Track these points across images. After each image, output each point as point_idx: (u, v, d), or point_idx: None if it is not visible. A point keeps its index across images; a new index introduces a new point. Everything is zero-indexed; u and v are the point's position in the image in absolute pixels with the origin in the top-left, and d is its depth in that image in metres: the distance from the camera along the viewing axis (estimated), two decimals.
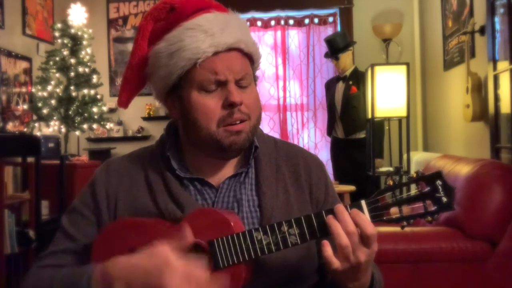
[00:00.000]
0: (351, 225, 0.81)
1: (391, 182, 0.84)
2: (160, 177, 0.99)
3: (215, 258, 0.86)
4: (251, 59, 0.99)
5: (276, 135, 4.98)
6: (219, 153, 0.97)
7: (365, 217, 0.82)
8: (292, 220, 0.85)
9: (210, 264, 0.86)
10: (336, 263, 0.82)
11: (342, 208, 0.83)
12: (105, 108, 4.54)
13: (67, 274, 0.89)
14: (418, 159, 3.89)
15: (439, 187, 0.83)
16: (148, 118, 5.12)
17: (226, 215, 0.89)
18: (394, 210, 0.84)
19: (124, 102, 1.03)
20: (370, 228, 0.81)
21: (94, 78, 4.38)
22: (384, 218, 0.83)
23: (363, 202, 0.84)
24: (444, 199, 0.82)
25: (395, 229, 2.21)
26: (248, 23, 5.01)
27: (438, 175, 0.83)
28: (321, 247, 0.83)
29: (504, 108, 2.67)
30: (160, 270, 0.76)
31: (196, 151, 1.00)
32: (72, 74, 4.24)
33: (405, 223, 0.84)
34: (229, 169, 1.02)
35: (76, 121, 4.26)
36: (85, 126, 4.34)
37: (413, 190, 0.84)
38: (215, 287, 0.79)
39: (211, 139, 0.94)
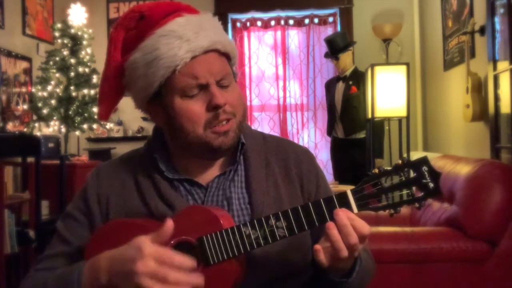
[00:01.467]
0: (355, 238, 0.81)
1: (376, 171, 0.84)
2: (149, 179, 1.00)
3: (205, 255, 0.86)
4: (228, 57, 0.99)
5: (276, 135, 4.97)
6: (208, 154, 0.98)
7: (360, 221, 0.82)
8: (279, 213, 0.85)
9: (200, 261, 0.86)
10: (327, 264, 0.83)
11: (346, 220, 0.82)
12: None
13: (60, 273, 0.92)
14: None
15: (425, 173, 0.82)
16: (148, 118, 5.11)
17: (214, 212, 0.89)
18: (381, 199, 0.84)
19: (103, 115, 1.03)
20: (367, 229, 0.82)
21: (94, 78, 4.38)
22: (370, 206, 0.83)
23: (348, 192, 0.84)
24: (431, 185, 0.82)
25: (395, 229, 2.21)
26: (248, 23, 5.01)
27: (424, 161, 0.83)
28: (313, 251, 0.84)
29: (504, 108, 2.67)
30: (133, 256, 0.79)
31: (183, 153, 1.01)
32: (72, 74, 4.24)
33: (392, 210, 0.84)
34: (216, 168, 1.02)
35: (76, 121, 4.26)
36: (85, 126, 4.34)
37: (400, 178, 0.83)
38: (186, 277, 0.79)
39: (199, 142, 0.95)
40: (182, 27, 0.93)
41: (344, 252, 0.81)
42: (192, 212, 0.90)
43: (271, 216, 0.85)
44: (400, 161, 0.83)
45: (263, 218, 0.86)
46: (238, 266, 0.88)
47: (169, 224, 0.82)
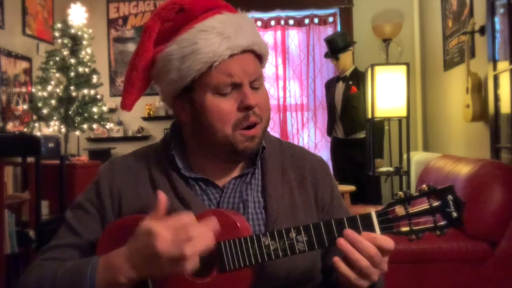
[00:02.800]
0: (372, 248, 0.81)
1: (401, 194, 0.83)
2: (165, 176, 0.98)
3: (222, 260, 0.86)
4: (261, 59, 0.99)
5: (276, 135, 4.95)
6: (231, 156, 0.96)
7: (381, 237, 0.82)
8: (301, 227, 0.85)
9: (216, 265, 0.86)
10: (352, 276, 0.82)
11: (355, 235, 0.82)
12: (105, 108, 4.54)
13: (71, 265, 0.90)
14: (418, 159, 3.89)
15: (450, 201, 0.82)
16: (148, 118, 5.12)
17: (233, 217, 0.88)
18: (403, 222, 0.84)
19: (128, 105, 1.00)
20: (390, 243, 0.82)
21: (94, 78, 4.38)
22: (394, 230, 0.83)
23: (373, 214, 0.83)
24: (454, 214, 0.82)
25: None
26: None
27: (450, 189, 0.82)
28: (333, 264, 0.83)
29: (504, 108, 2.67)
30: (148, 242, 0.79)
31: (203, 152, 0.99)
32: (72, 74, 4.24)
33: (414, 236, 0.84)
34: (234, 169, 1.01)
35: (76, 121, 4.26)
36: (85, 126, 4.34)
37: (423, 204, 0.83)
38: (203, 227, 0.80)
39: (226, 142, 0.94)
40: (222, 24, 0.92)
41: (364, 262, 0.81)
42: (211, 216, 0.89)
43: (292, 229, 0.85)
44: (425, 187, 0.83)
45: (283, 230, 0.85)
46: (253, 273, 0.87)
47: (161, 196, 0.83)
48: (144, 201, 0.97)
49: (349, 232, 0.82)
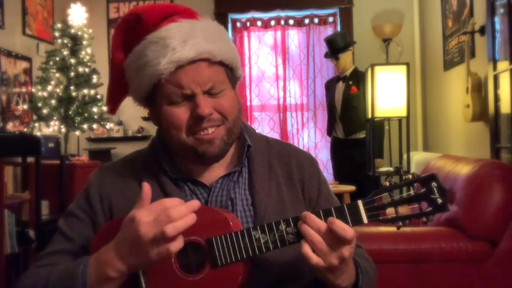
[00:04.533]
0: (322, 224, 0.83)
1: (387, 184, 0.86)
2: (154, 179, 1.00)
3: (213, 256, 0.87)
4: (224, 64, 0.96)
5: (276, 135, 4.98)
6: (197, 159, 0.98)
7: (339, 222, 0.83)
8: (290, 219, 0.86)
9: (208, 262, 0.87)
10: (314, 258, 0.83)
11: (307, 213, 0.85)
12: (105, 108, 4.53)
13: (63, 267, 0.91)
14: (418, 159, 3.89)
15: (434, 188, 0.84)
16: (148, 118, 5.11)
17: (224, 214, 0.89)
18: (390, 211, 0.86)
19: (111, 110, 1.06)
20: (349, 232, 0.82)
21: (94, 78, 4.38)
22: (380, 218, 0.85)
23: (359, 202, 0.85)
24: (439, 200, 0.84)
25: (395, 229, 2.21)
26: (248, 23, 5.01)
27: (433, 177, 0.85)
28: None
29: (504, 108, 2.67)
30: (131, 228, 0.82)
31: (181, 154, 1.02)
32: (72, 74, 4.24)
33: (400, 223, 0.86)
34: (221, 168, 1.03)
35: (76, 121, 4.26)
36: (85, 126, 4.34)
37: (409, 191, 0.86)
38: (184, 207, 0.82)
39: (184, 147, 0.96)
40: (172, 33, 0.91)
41: (316, 237, 0.82)
42: (202, 213, 0.91)
43: (281, 221, 0.86)
44: (410, 176, 0.86)
45: (273, 223, 0.86)
46: (245, 268, 0.88)
47: (146, 187, 0.86)
48: (134, 203, 0.97)
49: (304, 213, 0.84)
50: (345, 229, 0.82)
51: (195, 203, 0.84)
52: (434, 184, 0.84)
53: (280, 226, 0.86)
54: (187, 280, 0.86)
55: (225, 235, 0.87)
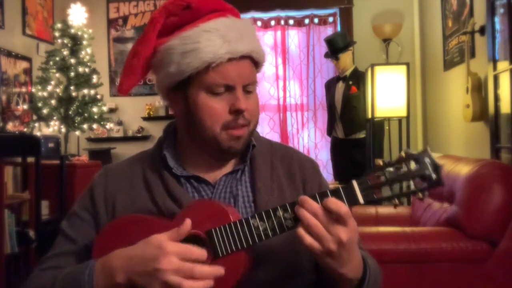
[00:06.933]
0: (316, 206, 0.83)
1: (381, 163, 0.86)
2: (158, 176, 1.01)
3: (214, 248, 0.88)
4: (257, 66, 1.02)
5: (276, 135, 4.98)
6: (217, 154, 1.00)
7: (333, 199, 0.83)
8: (287, 204, 0.86)
9: (209, 254, 0.87)
10: (308, 238, 0.82)
11: (304, 197, 0.85)
12: (105, 108, 4.54)
13: (69, 271, 0.91)
14: None
15: (428, 164, 0.84)
16: (148, 118, 5.12)
17: (223, 206, 0.91)
18: (385, 190, 0.85)
19: (125, 90, 1.03)
20: (343, 207, 0.82)
21: (94, 78, 4.38)
22: (375, 197, 0.85)
23: (354, 182, 0.85)
24: (434, 176, 0.84)
25: (395, 229, 2.21)
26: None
27: (426, 153, 0.85)
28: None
29: (504, 108, 2.67)
30: (154, 255, 0.81)
31: (194, 149, 1.02)
32: (72, 74, 4.24)
33: (396, 201, 0.85)
34: (226, 166, 1.04)
35: (76, 121, 4.26)
36: (85, 126, 4.34)
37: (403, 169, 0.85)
38: (209, 270, 0.82)
39: (213, 140, 0.97)
40: (226, 28, 0.95)
41: (311, 219, 0.82)
42: (201, 206, 0.92)
43: (278, 207, 0.87)
44: (403, 153, 0.86)
45: (270, 210, 0.87)
46: (246, 257, 0.89)
47: (187, 222, 0.85)
48: (138, 202, 0.99)
49: (301, 197, 0.84)
50: (338, 204, 0.82)
51: (220, 271, 0.84)
52: (427, 160, 0.84)
53: (278, 212, 0.86)
54: None
55: (224, 226, 0.87)
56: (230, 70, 0.94)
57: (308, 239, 0.82)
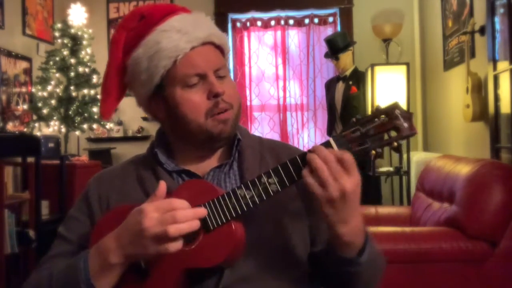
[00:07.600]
0: (328, 154, 0.85)
1: (354, 120, 0.89)
2: (151, 172, 1.05)
3: (205, 222, 0.90)
4: (222, 50, 1.06)
5: (276, 135, 4.98)
6: (208, 143, 1.03)
7: (339, 151, 0.87)
8: (270, 170, 0.90)
9: (201, 229, 0.90)
10: (310, 178, 0.85)
11: (319, 146, 0.88)
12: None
13: (65, 264, 0.95)
14: (418, 159, 3.89)
15: (398, 115, 0.87)
16: (148, 118, 5.12)
17: (211, 183, 0.97)
18: (361, 143, 0.89)
19: (106, 113, 1.08)
20: (346, 154, 0.85)
21: (94, 78, 4.38)
22: (353, 150, 0.88)
23: (331, 140, 0.89)
24: (405, 125, 0.87)
25: (395, 229, 2.21)
26: (248, 23, 5.01)
27: (395, 105, 0.88)
28: (303, 179, 0.86)
29: (504, 108, 2.67)
30: (136, 220, 0.86)
31: (184, 145, 1.06)
32: (72, 74, 4.24)
33: (373, 152, 0.89)
34: (213, 160, 1.07)
35: (76, 121, 4.26)
36: (85, 126, 4.34)
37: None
38: (190, 212, 0.86)
39: (200, 131, 1.00)
40: (180, 22, 1.00)
41: (319, 161, 0.84)
42: (190, 185, 0.96)
43: (262, 174, 0.90)
44: (374, 109, 0.90)
45: (255, 178, 0.90)
46: (237, 227, 0.91)
47: (162, 184, 0.90)
48: (131, 197, 1.02)
49: (315, 145, 0.88)
50: (345, 153, 0.85)
51: (202, 211, 0.88)
52: (397, 111, 0.87)
53: (262, 179, 0.90)
54: (185, 251, 0.89)
55: (212, 200, 0.91)
56: (196, 58, 0.98)
57: (310, 178, 0.85)
